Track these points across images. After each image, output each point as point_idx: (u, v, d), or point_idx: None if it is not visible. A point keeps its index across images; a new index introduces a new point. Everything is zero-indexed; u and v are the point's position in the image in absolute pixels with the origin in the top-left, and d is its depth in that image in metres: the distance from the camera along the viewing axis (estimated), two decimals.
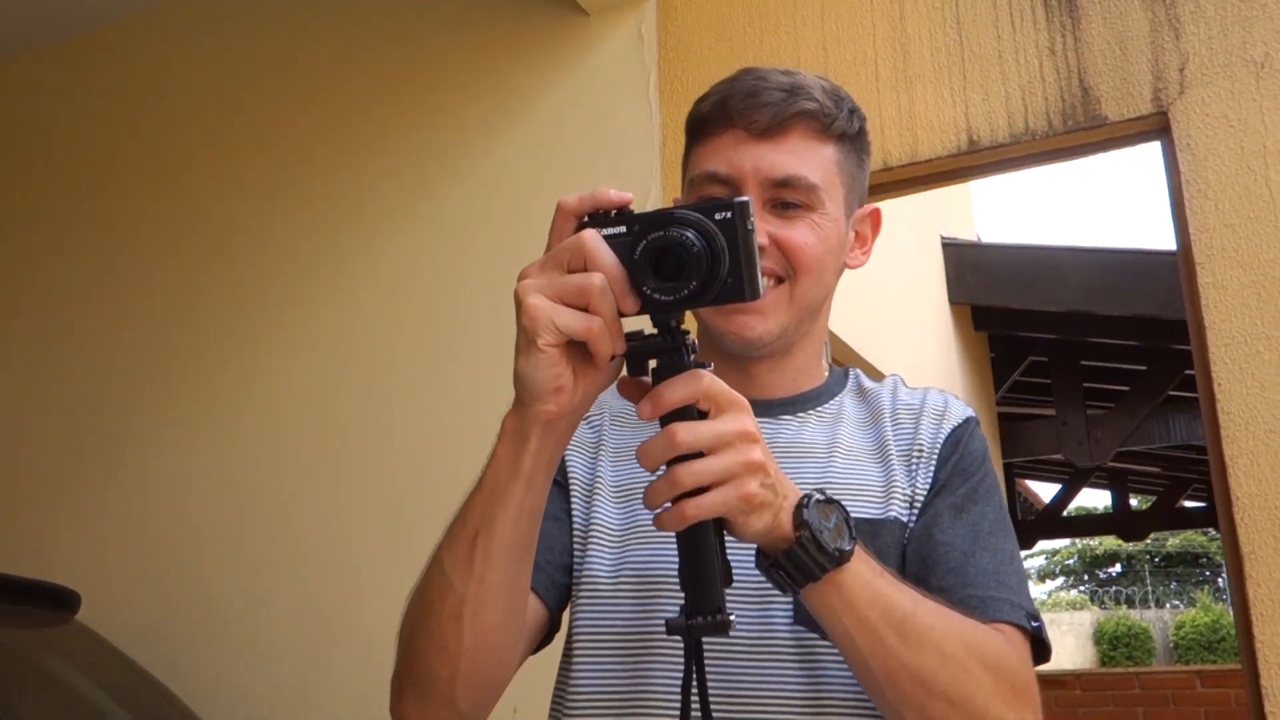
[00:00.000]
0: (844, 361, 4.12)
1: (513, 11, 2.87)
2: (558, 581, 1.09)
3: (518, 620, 0.97)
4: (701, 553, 0.85)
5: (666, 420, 0.84)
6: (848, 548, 0.87)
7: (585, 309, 0.80)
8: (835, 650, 0.95)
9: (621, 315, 0.83)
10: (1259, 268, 2.10)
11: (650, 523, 0.90)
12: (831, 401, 1.16)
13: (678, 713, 0.92)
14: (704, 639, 0.93)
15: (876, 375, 3.90)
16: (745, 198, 0.83)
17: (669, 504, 0.84)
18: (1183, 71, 2.21)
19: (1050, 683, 5.88)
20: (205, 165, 3.14)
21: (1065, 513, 9.43)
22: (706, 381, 0.83)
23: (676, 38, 2.72)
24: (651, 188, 2.64)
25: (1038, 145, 2.32)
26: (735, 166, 1.07)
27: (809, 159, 1.08)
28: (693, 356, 0.85)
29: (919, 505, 1.06)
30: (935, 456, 1.08)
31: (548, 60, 2.82)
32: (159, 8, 3.32)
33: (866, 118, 1.19)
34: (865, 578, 0.89)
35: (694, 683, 0.92)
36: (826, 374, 1.19)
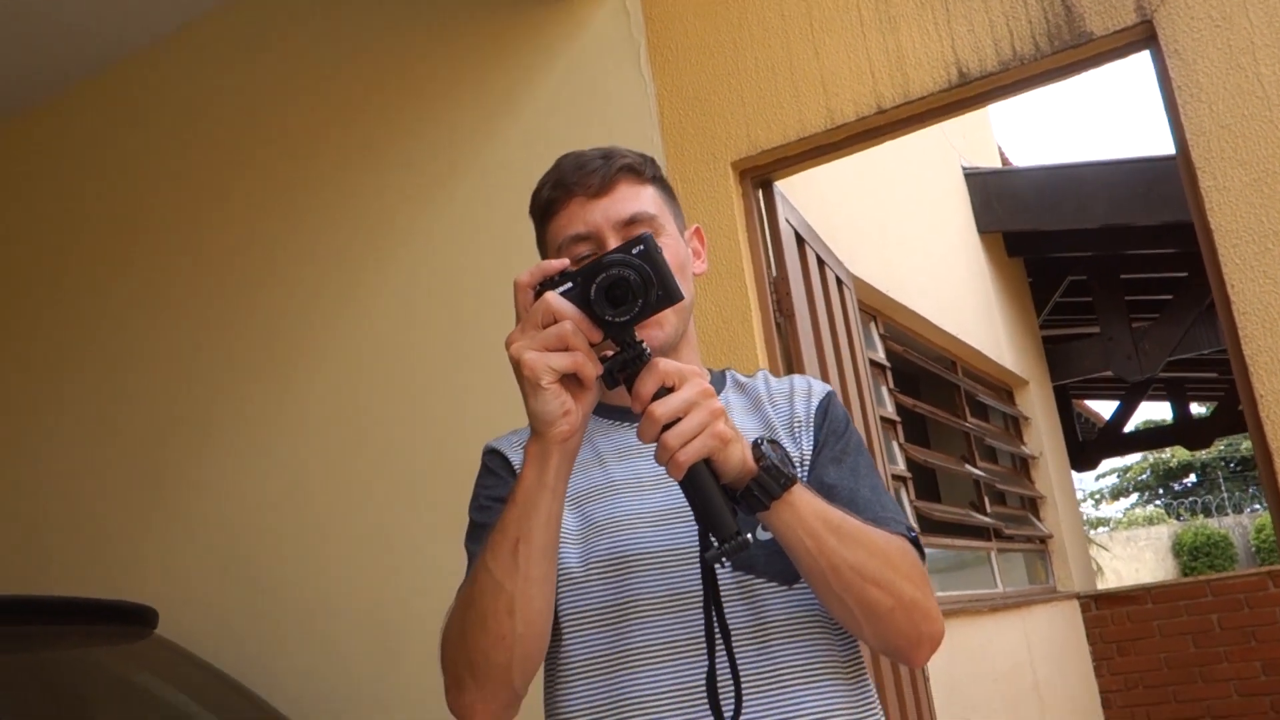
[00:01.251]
0: (876, 307, 4.14)
1: (497, 6, 2.92)
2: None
3: (551, 605, 1.20)
4: (705, 492, 1.10)
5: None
6: (794, 473, 1.14)
7: (567, 349, 1.08)
8: (769, 585, 1.24)
9: (592, 345, 1.10)
10: (1258, 165, 2.10)
11: (603, 520, 1.27)
12: (719, 395, 1.34)
13: (660, 668, 1.20)
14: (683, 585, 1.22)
15: (911, 317, 3.90)
16: (648, 232, 1.13)
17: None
18: None
19: (1120, 599, 5.87)
20: (238, 194, 3.23)
21: (1127, 429, 9.33)
22: (663, 366, 1.10)
23: (660, 7, 2.75)
24: (655, 156, 2.68)
25: (1027, 69, 2.33)
26: (590, 223, 1.32)
27: (640, 198, 1.34)
28: (650, 357, 1.11)
29: (808, 462, 1.32)
30: (812, 423, 1.35)
31: (538, 47, 2.87)
32: (159, 48, 3.41)
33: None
34: (808, 497, 1.16)
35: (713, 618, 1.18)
36: (709, 376, 1.40)
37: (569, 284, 1.11)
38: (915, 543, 1.26)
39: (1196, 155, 2.15)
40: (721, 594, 1.21)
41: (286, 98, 3.20)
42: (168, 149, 3.38)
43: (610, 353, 1.12)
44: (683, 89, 2.70)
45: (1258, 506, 24.71)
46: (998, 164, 6.62)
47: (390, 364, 2.86)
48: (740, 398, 1.40)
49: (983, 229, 5.71)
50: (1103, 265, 6.20)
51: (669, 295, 1.09)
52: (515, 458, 1.37)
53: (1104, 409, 11.31)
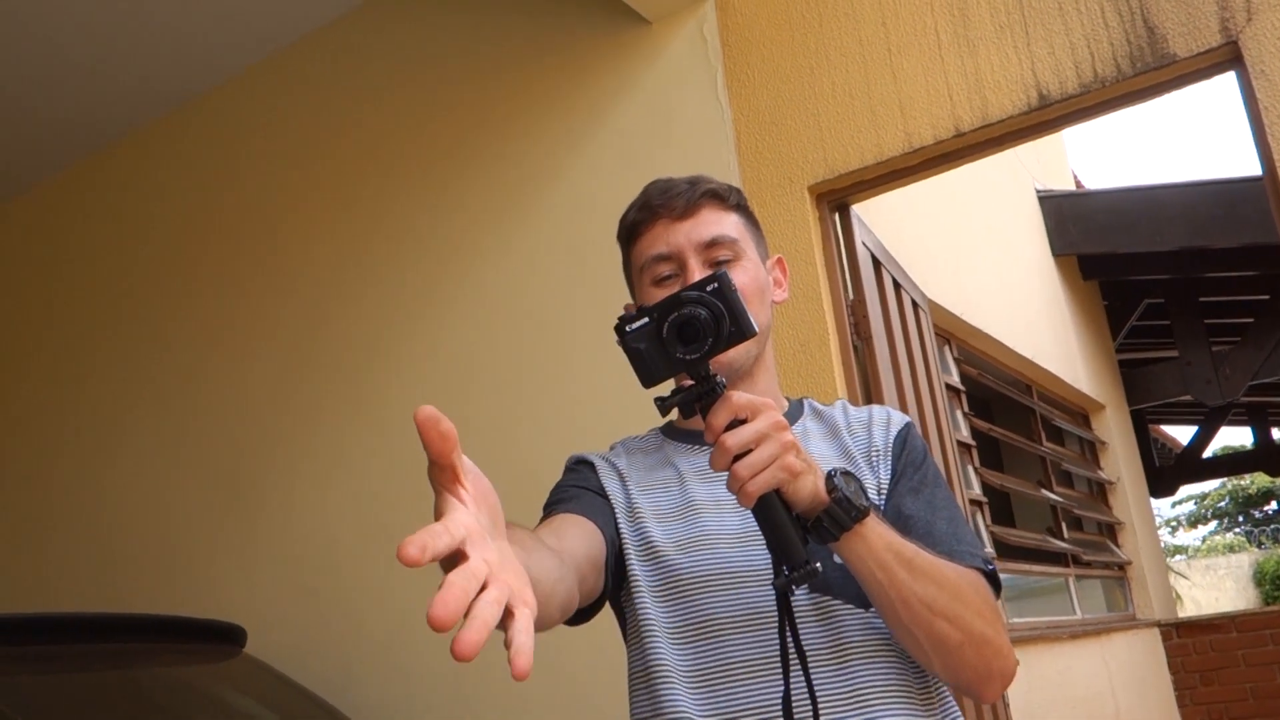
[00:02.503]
0: (950, 330, 4.11)
1: (579, 32, 2.97)
2: (614, 532, 1.33)
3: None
4: (775, 522, 1.13)
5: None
6: (867, 504, 1.15)
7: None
8: (847, 608, 1.24)
9: (656, 384, 1.16)
10: None
11: (685, 538, 1.30)
12: (796, 424, 1.42)
13: (737, 687, 1.21)
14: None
15: (985, 340, 3.87)
16: (724, 271, 1.16)
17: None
18: None
19: (1203, 627, 5.72)
20: (309, 215, 3.31)
21: (1206, 454, 9.11)
22: (735, 399, 1.13)
23: (737, 33, 2.78)
24: (731, 181, 2.70)
25: (1109, 92, 2.31)
26: (672, 244, 1.36)
27: (723, 223, 1.38)
28: (724, 390, 1.14)
29: (884, 492, 1.33)
30: (890, 453, 1.36)
31: (617, 72, 2.91)
32: (255, 72, 3.52)
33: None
34: (880, 529, 1.17)
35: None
36: (787, 405, 1.45)
37: (645, 320, 1.16)
38: (992, 576, 1.26)
39: None
40: (799, 615, 1.23)
41: (368, 124, 3.28)
42: (245, 170, 3.47)
43: (687, 383, 1.16)
44: (759, 114, 2.72)
45: None
46: (1071, 186, 6.54)
47: (474, 384, 2.91)
48: (818, 425, 1.43)
49: (1057, 252, 5.65)
50: (1181, 288, 6.09)
51: (740, 332, 1.13)
52: (598, 461, 1.42)
53: (1181, 434, 11.06)
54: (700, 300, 1.14)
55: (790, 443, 1.12)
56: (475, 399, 2.90)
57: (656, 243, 1.38)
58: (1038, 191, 5.67)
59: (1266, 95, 2.15)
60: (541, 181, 2.96)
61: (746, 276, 1.35)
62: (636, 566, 1.31)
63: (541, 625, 1.01)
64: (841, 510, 1.13)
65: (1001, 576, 1.30)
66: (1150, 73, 2.26)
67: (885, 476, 1.34)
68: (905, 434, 1.39)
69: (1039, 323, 5.14)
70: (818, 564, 1.11)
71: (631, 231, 1.42)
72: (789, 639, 1.19)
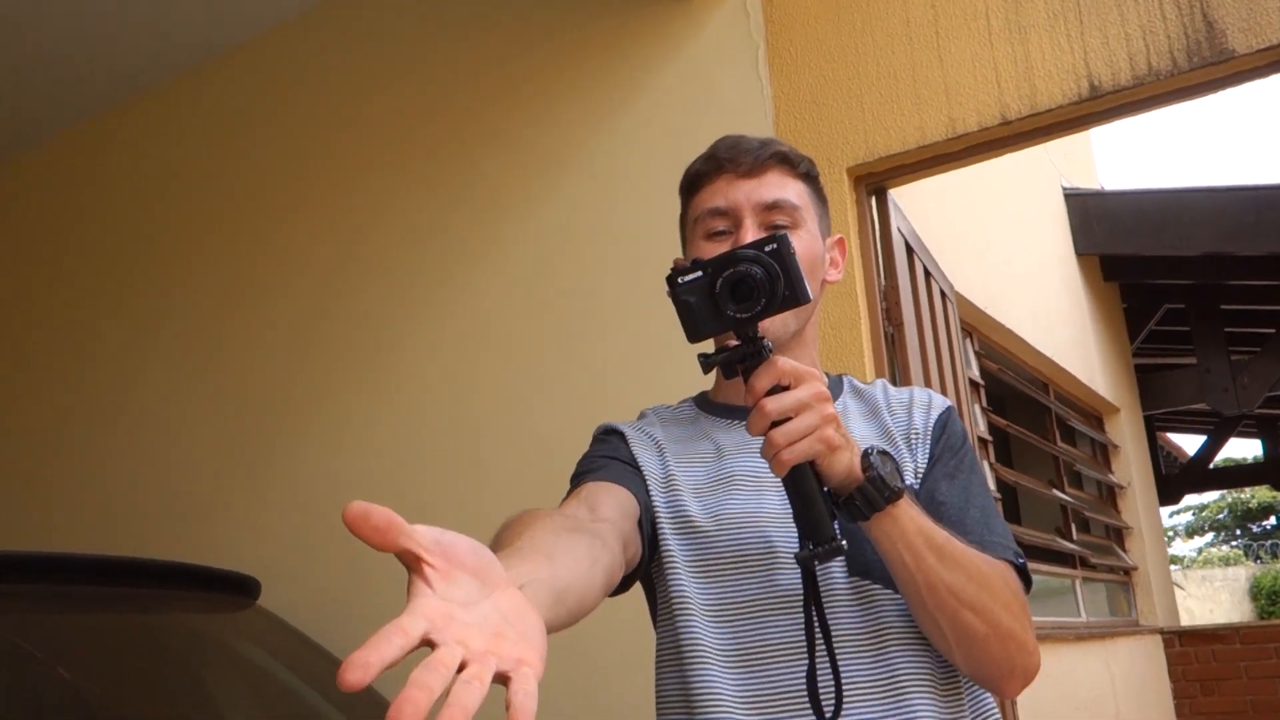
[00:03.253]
0: (972, 323, 4.08)
1: (615, 2, 2.93)
2: (646, 500, 1.29)
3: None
4: (806, 495, 1.11)
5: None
6: (902, 485, 1.13)
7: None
8: (886, 592, 1.21)
9: (702, 339, 1.14)
10: None
11: (722, 514, 1.26)
12: (836, 401, 1.38)
13: (771, 668, 1.19)
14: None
15: (1006, 335, 3.86)
16: (785, 231, 1.15)
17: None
18: None
19: (1206, 637, 5.71)
20: (324, 184, 3.28)
21: (1212, 464, 9.09)
22: (780, 363, 1.10)
23: (781, 10, 2.74)
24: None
25: (1163, 85, 2.27)
26: (731, 200, 1.33)
27: (787, 188, 1.35)
28: (770, 353, 1.11)
29: (920, 476, 1.30)
30: (929, 436, 1.33)
31: (655, 43, 2.87)
32: (283, 29, 3.49)
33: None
34: (912, 512, 1.14)
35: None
36: (826, 380, 1.37)
37: (698, 273, 1.13)
38: (1022, 570, 1.24)
39: None
40: (836, 598, 1.21)
41: (395, 89, 3.24)
42: (268, 131, 3.44)
43: (732, 343, 1.13)
44: (800, 93, 2.69)
45: None
46: (1096, 185, 6.50)
47: (500, 345, 2.88)
48: (858, 403, 1.40)
49: (1081, 251, 5.62)
50: (1203, 294, 6.06)
51: (795, 296, 1.11)
52: (630, 432, 1.39)
53: (1185, 442, 11.05)
54: (757, 259, 1.11)
55: (831, 415, 1.09)
56: (492, 368, 2.87)
57: (715, 196, 1.34)
58: (1064, 189, 5.63)
59: None
60: (572, 151, 2.93)
61: (802, 246, 1.30)
62: (671, 541, 1.28)
63: (585, 611, 0.98)
64: (875, 489, 1.11)
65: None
66: (1207, 68, 2.22)
67: (923, 460, 1.32)
68: (946, 418, 1.36)
69: (1059, 321, 5.11)
70: (843, 541, 1.09)
71: (693, 182, 1.39)
72: (814, 616, 1.17)
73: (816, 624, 1.17)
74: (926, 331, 2.86)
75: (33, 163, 4.02)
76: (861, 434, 1.33)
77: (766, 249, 1.11)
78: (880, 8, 2.63)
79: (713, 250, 1.27)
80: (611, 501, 1.22)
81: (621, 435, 1.39)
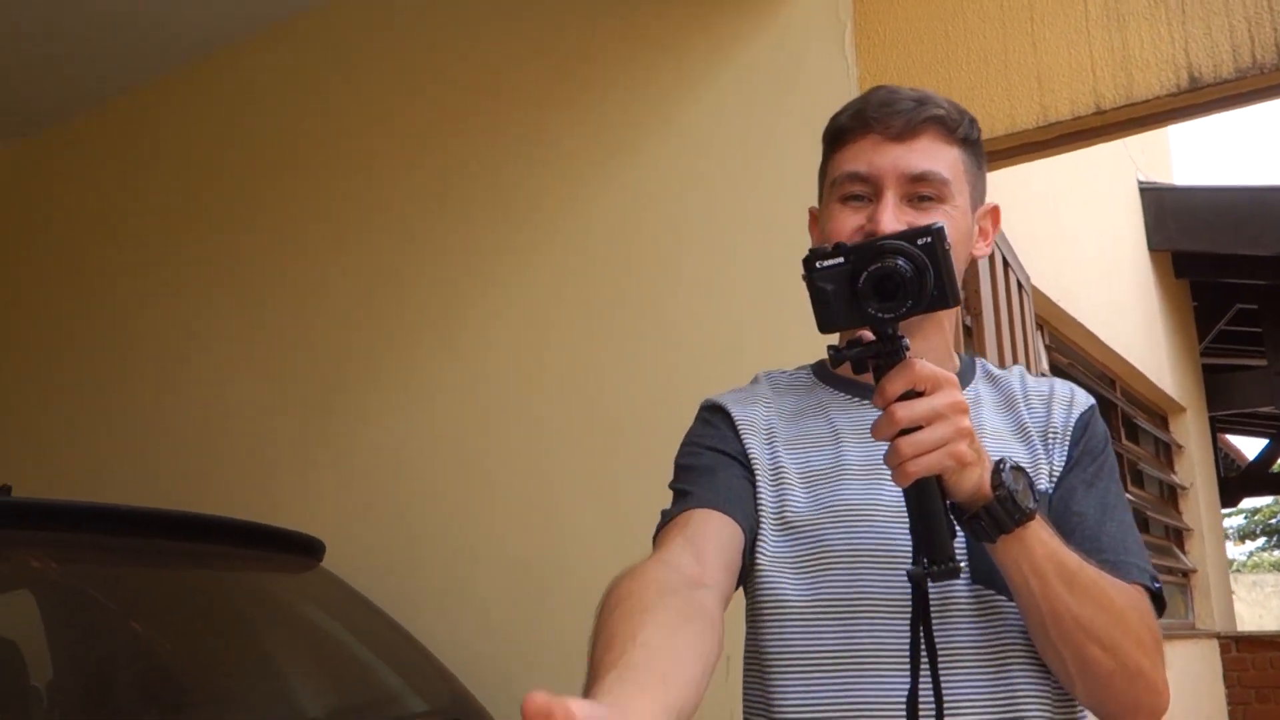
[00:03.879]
0: (1044, 316, 4.01)
1: None
2: (752, 516, 1.20)
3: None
4: (927, 509, 1.03)
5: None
6: (1033, 506, 1.03)
7: None
8: (1011, 604, 1.11)
9: (834, 331, 1.05)
10: None
11: (837, 506, 1.17)
12: (969, 387, 1.27)
13: (879, 676, 1.11)
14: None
15: (1077, 329, 3.78)
16: (940, 223, 1.03)
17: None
18: None
19: (1264, 643, 5.62)
20: (403, 138, 3.27)
21: (1273, 468, 8.91)
22: (918, 368, 1.01)
23: None
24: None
25: (1267, 79, 2.20)
26: (874, 166, 1.20)
27: (939, 158, 1.21)
28: (907, 354, 1.02)
29: (1055, 478, 1.20)
30: (1069, 437, 1.22)
31: (740, 18, 2.82)
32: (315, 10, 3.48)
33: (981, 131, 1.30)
34: (1043, 535, 1.05)
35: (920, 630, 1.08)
36: (959, 363, 1.30)
37: (839, 260, 1.03)
38: (1157, 595, 1.14)
39: None
40: (956, 607, 1.13)
41: (470, 56, 3.22)
42: (342, 92, 3.44)
43: (866, 337, 1.04)
44: (887, 74, 2.63)
45: None
46: (1171, 179, 6.35)
47: (571, 313, 2.87)
48: (992, 391, 1.28)
49: (1153, 246, 5.50)
50: (1276, 295, 5.91)
51: (944, 298, 1.01)
52: (738, 413, 1.28)
53: (1244, 444, 10.83)
54: (907, 253, 1.00)
55: (966, 429, 1.01)
56: (562, 335, 2.86)
57: (858, 159, 1.21)
58: (1140, 182, 5.51)
59: None
60: (652, 120, 2.89)
61: (950, 225, 1.16)
62: (770, 538, 1.20)
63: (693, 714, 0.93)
64: (1004, 510, 1.02)
65: None
66: None
67: (1059, 463, 1.20)
68: (1089, 417, 1.24)
69: (1130, 317, 5.01)
70: (963, 563, 1.03)
71: (836, 138, 1.26)
72: (920, 635, 1.09)
73: (923, 643, 1.09)
74: (1003, 322, 2.81)
75: (98, 117, 4.05)
76: (994, 426, 1.23)
77: (919, 241, 1.01)
78: None
79: (847, 216, 1.21)
80: (717, 542, 1.13)
81: (728, 416, 1.28)
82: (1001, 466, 1.03)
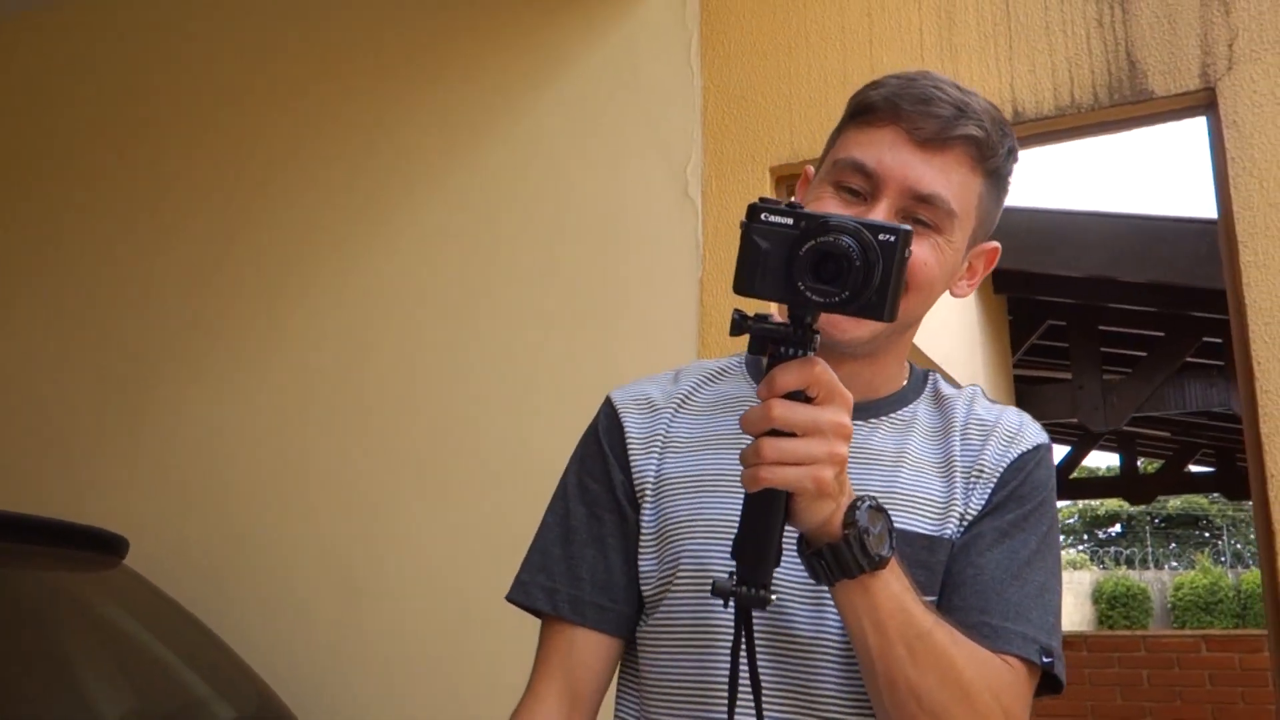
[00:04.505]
0: None
1: None
2: (626, 614, 1.16)
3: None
4: (764, 525, 0.93)
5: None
6: (886, 554, 0.94)
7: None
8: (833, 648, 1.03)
9: (748, 295, 0.91)
10: None
11: (704, 517, 1.08)
12: (905, 409, 1.18)
13: (702, 703, 1.05)
14: (748, 622, 1.01)
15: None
16: (909, 227, 0.91)
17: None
18: (1231, 47, 2.21)
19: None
20: (234, 118, 3.14)
21: (1073, 475, 9.47)
22: (819, 369, 0.91)
23: (718, 1, 2.71)
24: (692, 153, 2.65)
25: (1083, 118, 2.32)
26: (885, 166, 1.08)
27: (955, 184, 1.09)
28: (813, 353, 0.92)
29: (968, 520, 1.09)
30: (996, 478, 1.10)
31: (587, 21, 2.81)
32: None
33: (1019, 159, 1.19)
34: (894, 589, 0.95)
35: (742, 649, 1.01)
36: (906, 378, 1.20)
37: (789, 221, 0.90)
38: (1048, 671, 1.04)
39: (1240, 229, 2.16)
40: (827, 652, 1.05)
41: (310, 28, 3.12)
42: (183, 50, 3.28)
43: (776, 315, 0.94)
44: (730, 86, 2.67)
45: (1177, 564, 25.26)
46: None
47: (400, 312, 2.81)
48: (931, 415, 1.17)
49: None
50: (1084, 314, 6.27)
51: (879, 307, 0.89)
52: (632, 427, 1.18)
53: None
54: (862, 241, 0.88)
55: (840, 456, 0.91)
56: (389, 335, 2.80)
57: (870, 150, 1.08)
58: None
59: (1235, 146, 2.18)
60: (490, 118, 2.86)
61: (935, 258, 1.09)
62: (648, 556, 1.15)
63: None
64: (850, 552, 0.93)
65: None
66: (1126, 105, 2.27)
67: (975, 506, 1.09)
68: (1029, 460, 1.12)
69: (949, 329, 5.23)
70: (773, 596, 0.93)
71: (859, 112, 1.13)
72: (738, 660, 1.01)
73: (744, 669, 1.00)
74: None
75: None
76: (917, 454, 1.13)
77: (880, 236, 0.89)
78: (817, 11, 2.62)
79: (832, 208, 1.08)
80: (597, 679, 1.14)
81: (620, 430, 1.19)
82: (858, 504, 0.94)
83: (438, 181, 2.87)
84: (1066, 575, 20.60)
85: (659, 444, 1.17)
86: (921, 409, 1.18)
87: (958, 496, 1.09)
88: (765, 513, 0.93)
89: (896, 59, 2.52)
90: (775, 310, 1.20)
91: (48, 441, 3.09)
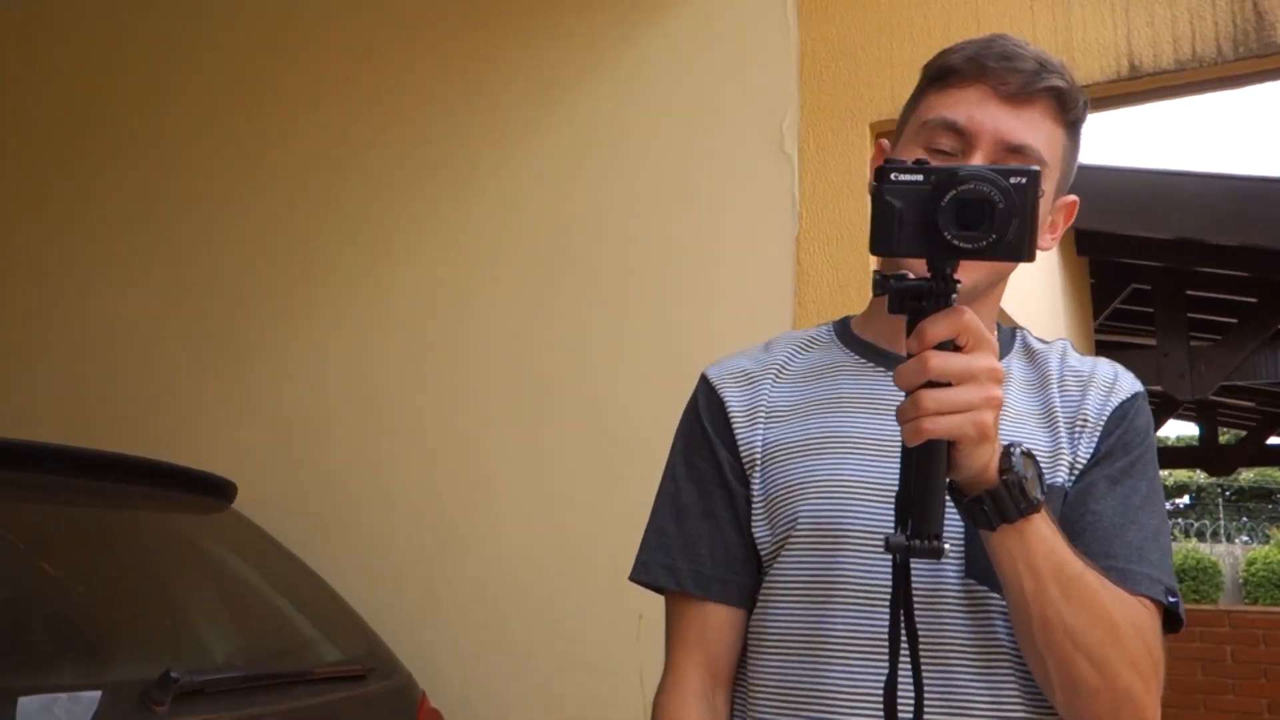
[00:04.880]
0: None
1: None
2: (748, 585, 1.19)
3: None
4: (928, 476, 0.94)
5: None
6: (1040, 499, 0.97)
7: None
8: (1002, 604, 1.05)
9: (890, 254, 0.95)
10: None
11: (825, 477, 1.11)
12: (1002, 360, 1.16)
13: (854, 665, 1.06)
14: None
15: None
16: (1036, 168, 0.92)
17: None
18: None
19: None
20: (327, 55, 3.17)
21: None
22: (967, 318, 0.92)
23: None
24: (788, 109, 2.61)
25: (1205, 73, 2.25)
26: (975, 122, 1.11)
27: (1043, 134, 1.13)
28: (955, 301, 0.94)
29: (1079, 469, 1.11)
30: (1100, 427, 1.13)
31: None
32: None
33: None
34: (1045, 533, 0.97)
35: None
36: (994, 335, 1.20)
37: (919, 177, 0.92)
38: (1172, 610, 1.06)
39: None
40: (946, 602, 1.06)
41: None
42: (267, 22, 3.30)
43: (911, 273, 0.95)
44: (829, 40, 2.62)
45: (1249, 539, 24.76)
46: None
47: (504, 269, 2.82)
48: (1025, 368, 1.20)
49: None
50: (1171, 278, 6.12)
51: (1020, 248, 0.90)
52: (733, 400, 1.22)
53: None
54: (998, 185, 0.90)
55: (997, 399, 0.92)
56: (495, 291, 2.82)
57: (959, 108, 1.12)
58: None
59: None
60: (585, 73, 2.84)
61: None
62: (760, 522, 1.17)
63: None
64: (1010, 497, 0.94)
65: None
66: (1252, 59, 2.20)
67: (1084, 454, 1.12)
68: (1128, 408, 1.15)
69: (1034, 291, 5.15)
70: (946, 545, 0.93)
71: (939, 76, 1.16)
72: (900, 616, 1.01)
73: (904, 628, 1.01)
74: None
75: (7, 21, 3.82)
76: (1018, 408, 1.15)
77: (1011, 180, 0.90)
78: None
79: None
80: (731, 649, 1.18)
81: (722, 405, 1.22)
82: (1012, 450, 0.96)
83: (529, 139, 2.87)
84: None
85: (762, 414, 1.20)
86: (1015, 363, 1.20)
87: (1064, 446, 1.12)
88: (928, 464, 0.94)
89: (1002, 10, 2.47)
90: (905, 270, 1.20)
91: (162, 391, 3.17)
